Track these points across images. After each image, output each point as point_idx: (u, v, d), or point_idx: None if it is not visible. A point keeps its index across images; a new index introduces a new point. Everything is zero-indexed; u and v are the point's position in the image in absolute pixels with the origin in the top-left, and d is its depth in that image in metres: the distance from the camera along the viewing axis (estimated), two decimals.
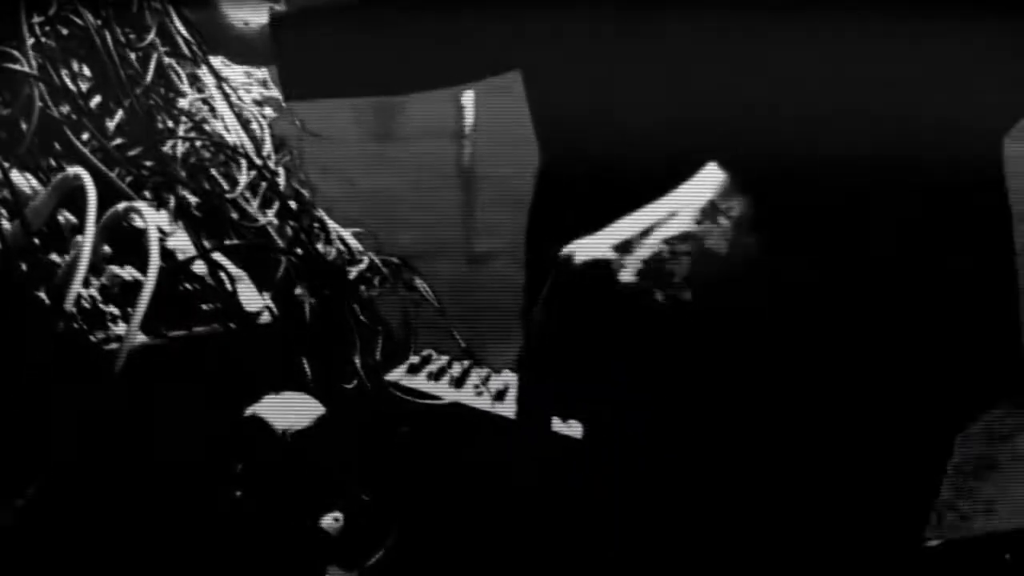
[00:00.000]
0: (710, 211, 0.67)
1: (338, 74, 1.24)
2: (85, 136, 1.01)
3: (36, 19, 1.00)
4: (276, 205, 1.30)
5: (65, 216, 0.88)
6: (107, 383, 0.76)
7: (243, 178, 1.24)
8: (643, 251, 0.67)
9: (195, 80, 1.30)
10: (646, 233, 0.68)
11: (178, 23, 1.22)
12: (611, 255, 0.67)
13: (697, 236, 0.66)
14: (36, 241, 0.83)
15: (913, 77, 0.68)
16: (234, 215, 1.21)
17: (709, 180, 0.69)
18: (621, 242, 0.68)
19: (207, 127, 1.26)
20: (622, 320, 0.67)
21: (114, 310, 0.85)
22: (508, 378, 1.62)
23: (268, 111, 1.45)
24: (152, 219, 0.88)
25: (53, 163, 0.96)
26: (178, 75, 1.23)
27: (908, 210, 0.76)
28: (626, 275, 0.66)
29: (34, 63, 0.96)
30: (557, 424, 1.48)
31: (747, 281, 0.68)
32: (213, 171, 1.23)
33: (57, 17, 1.03)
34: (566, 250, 0.69)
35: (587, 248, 0.68)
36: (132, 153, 1.07)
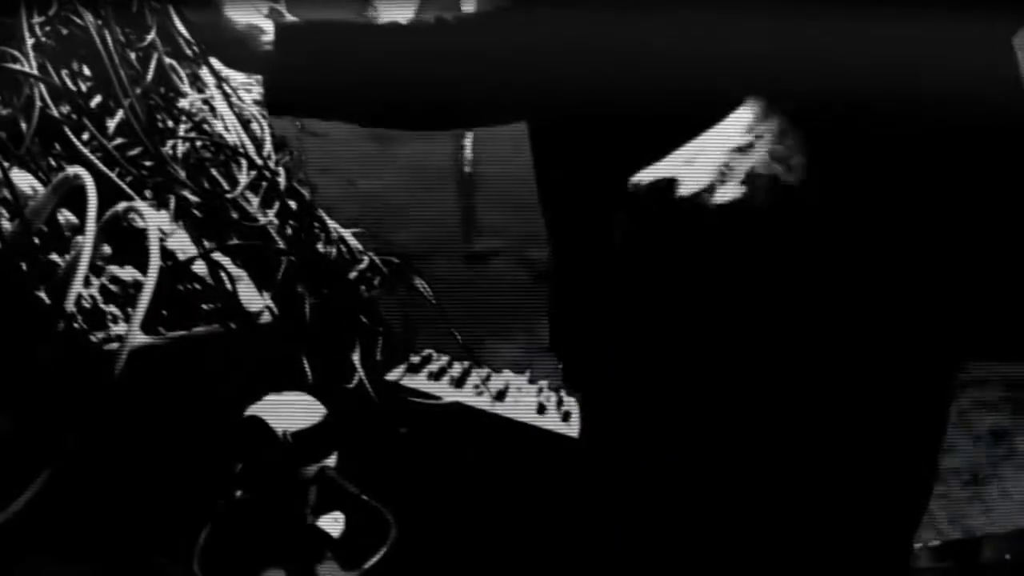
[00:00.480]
0: (754, 128, 0.77)
1: (330, 97, 1.17)
2: (85, 136, 1.01)
3: (36, 19, 1.00)
4: (277, 205, 1.30)
5: (65, 216, 0.88)
6: (107, 383, 0.76)
7: (243, 178, 1.24)
8: (703, 165, 0.76)
9: (196, 80, 1.30)
10: (702, 152, 0.77)
11: (178, 23, 1.21)
12: (671, 173, 0.76)
13: (746, 148, 0.76)
14: (36, 241, 0.83)
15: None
16: (234, 215, 1.21)
17: (750, 108, 0.79)
18: (682, 162, 0.77)
19: (207, 127, 1.26)
20: (680, 227, 0.76)
21: (114, 310, 0.85)
22: (508, 378, 1.62)
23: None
24: (152, 219, 0.87)
25: (53, 163, 0.96)
26: (178, 75, 1.23)
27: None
28: (684, 188, 0.75)
29: (34, 63, 0.96)
30: (556, 424, 1.48)
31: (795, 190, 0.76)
32: (213, 171, 1.23)
33: (57, 17, 1.03)
34: (634, 179, 0.78)
35: (651, 172, 0.78)
36: (132, 153, 1.07)
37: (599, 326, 0.99)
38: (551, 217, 1.09)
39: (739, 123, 0.78)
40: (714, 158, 0.76)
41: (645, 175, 0.78)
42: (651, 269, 0.83)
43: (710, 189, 0.75)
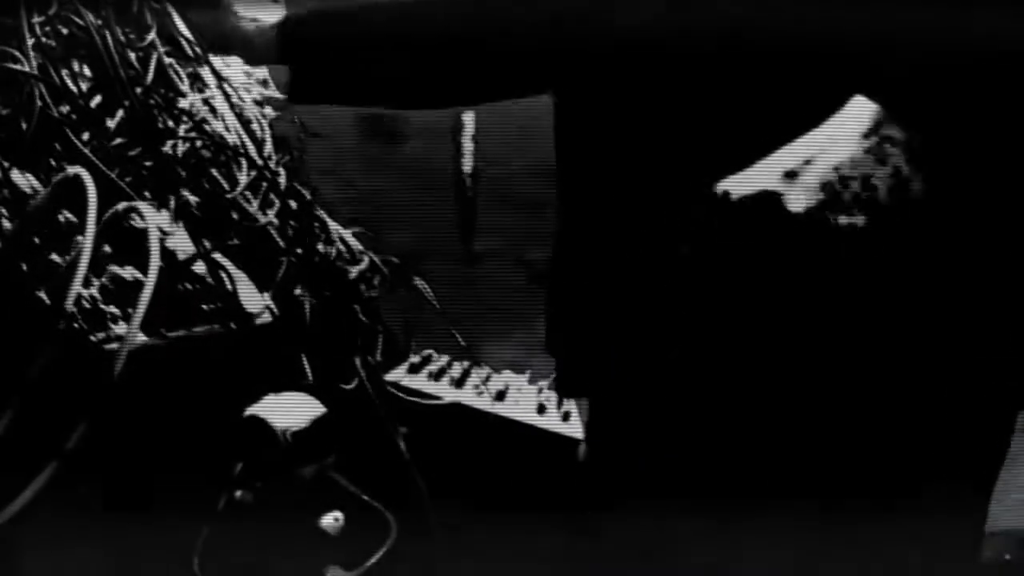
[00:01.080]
0: (873, 136, 0.68)
1: (350, 82, 1.15)
2: (85, 136, 1.01)
3: (36, 19, 1.00)
4: (277, 205, 1.30)
5: (65, 216, 0.88)
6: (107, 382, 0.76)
7: (244, 178, 1.24)
8: (811, 179, 0.68)
9: (196, 80, 1.29)
10: (809, 162, 0.69)
11: (179, 23, 1.21)
12: (778, 186, 0.68)
13: (865, 161, 0.68)
14: (36, 241, 0.83)
15: None
16: (235, 215, 1.20)
17: (862, 110, 0.70)
18: (786, 172, 0.69)
19: (208, 127, 1.26)
20: (794, 246, 0.68)
21: (114, 310, 0.85)
22: (508, 378, 1.62)
23: (269, 111, 1.45)
24: (153, 219, 0.87)
25: (53, 163, 0.96)
26: (178, 75, 1.23)
27: None
28: (795, 203, 0.68)
29: (34, 63, 0.96)
30: (556, 423, 1.48)
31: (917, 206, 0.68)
32: (213, 171, 1.23)
33: (57, 17, 1.03)
34: (720, 187, 0.70)
35: (747, 181, 0.70)
36: (132, 153, 1.07)
37: (604, 327, 0.96)
38: (567, 203, 1.01)
39: (850, 130, 0.69)
40: (825, 172, 0.68)
41: (738, 185, 0.70)
42: (740, 277, 0.74)
43: (823, 207, 0.67)
